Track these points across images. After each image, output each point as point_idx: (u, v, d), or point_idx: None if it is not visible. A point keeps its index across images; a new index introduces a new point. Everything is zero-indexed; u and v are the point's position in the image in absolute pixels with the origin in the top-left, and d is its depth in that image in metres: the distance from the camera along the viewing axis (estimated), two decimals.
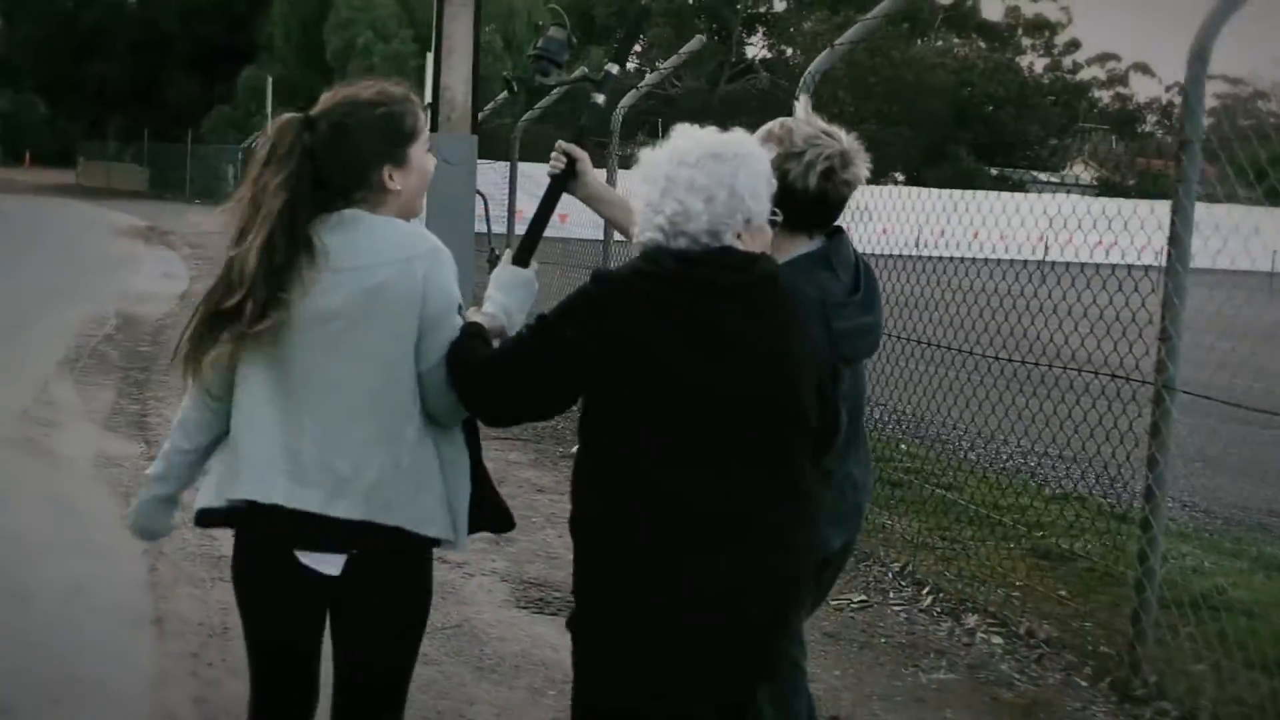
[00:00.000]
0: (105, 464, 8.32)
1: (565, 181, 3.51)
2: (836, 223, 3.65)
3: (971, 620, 5.93)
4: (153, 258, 24.09)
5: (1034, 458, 9.75)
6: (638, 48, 67.66)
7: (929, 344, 8.81)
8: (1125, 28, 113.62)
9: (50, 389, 10.67)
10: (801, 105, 3.74)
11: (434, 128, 11.49)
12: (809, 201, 3.44)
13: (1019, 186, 53.16)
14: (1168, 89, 74.46)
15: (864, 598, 6.28)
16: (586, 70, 4.18)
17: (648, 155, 2.98)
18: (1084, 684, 5.28)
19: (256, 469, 3.03)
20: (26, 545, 6.51)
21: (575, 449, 3.03)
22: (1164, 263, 5.14)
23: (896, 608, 6.19)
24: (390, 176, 3.06)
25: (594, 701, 2.98)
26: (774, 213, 3.01)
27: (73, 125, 60.44)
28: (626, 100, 10.30)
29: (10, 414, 9.51)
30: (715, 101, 60.31)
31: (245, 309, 2.97)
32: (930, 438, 10.24)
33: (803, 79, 7.62)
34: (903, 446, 9.50)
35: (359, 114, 3.06)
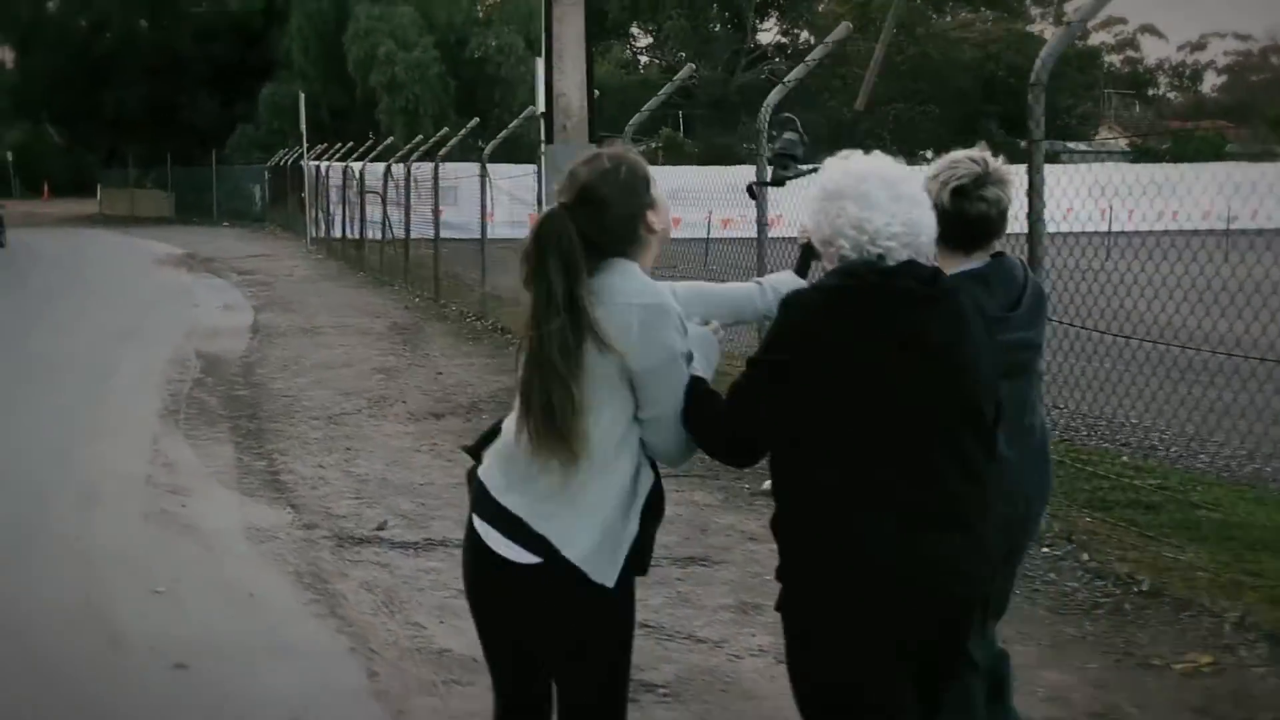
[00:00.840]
0: (259, 538, 7.44)
1: (813, 249, 3.53)
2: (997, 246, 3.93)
3: None
4: (204, 288, 23.18)
5: (1261, 460, 8.79)
6: (649, 40, 66.96)
7: (1125, 336, 7.96)
8: None
9: (163, 447, 9.79)
10: (979, 146, 3.97)
11: (549, 138, 10.64)
12: (947, 219, 3.55)
13: (1053, 158, 52.11)
14: (1179, 49, 73.65)
15: (1211, 659, 5.35)
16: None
17: (839, 176, 3.21)
18: None
19: (492, 451, 3.41)
20: (223, 653, 5.63)
21: (767, 484, 3.24)
22: None
23: (1258, 670, 5.25)
24: (650, 220, 3.34)
25: (818, 676, 3.14)
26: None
27: (90, 154, 59.61)
28: (772, 98, 9.36)
29: (134, 481, 8.66)
30: (732, 91, 59.43)
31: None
32: (1130, 445, 9.32)
33: (1038, 63, 6.78)
34: (1123, 458, 8.58)
35: (609, 181, 3.30)
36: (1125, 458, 8.62)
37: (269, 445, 9.90)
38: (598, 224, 3.25)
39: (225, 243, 35.72)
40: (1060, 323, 7.23)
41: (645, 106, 12.33)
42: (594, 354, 3.17)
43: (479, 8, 50.26)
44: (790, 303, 3.17)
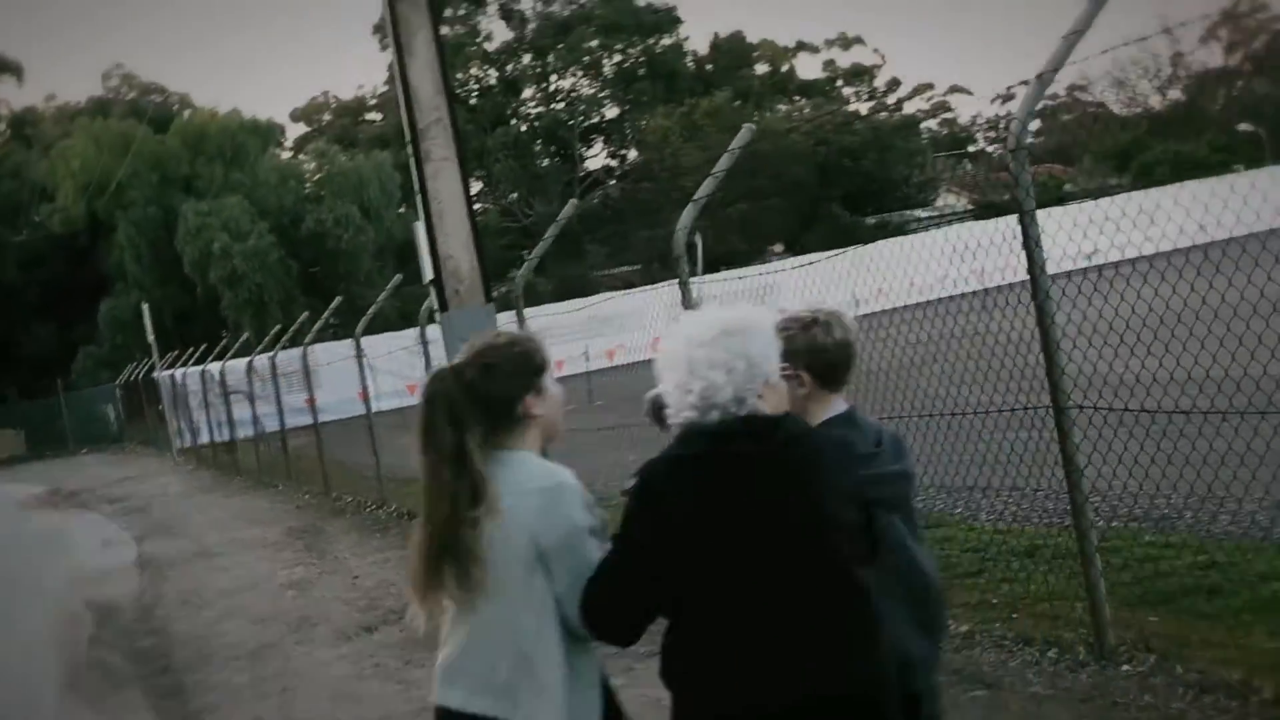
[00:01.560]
0: None
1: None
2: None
3: None
4: (78, 526, 21.65)
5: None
6: (480, 186, 66.50)
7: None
8: (932, 54, 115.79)
9: None
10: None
11: (442, 306, 9.70)
12: (837, 355, 3.78)
13: (900, 229, 52.48)
14: (991, 101, 75.87)
15: None
16: None
17: (665, 345, 3.28)
18: None
19: (438, 672, 3.46)
20: None
21: None
22: None
23: None
24: (529, 403, 3.43)
25: None
26: (784, 367, 3.38)
27: None
28: (685, 219, 8.52)
29: None
30: (573, 221, 59.21)
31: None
32: (1139, 518, 8.50)
33: (1015, 124, 6.12)
34: (1147, 537, 7.77)
35: (501, 354, 3.45)
36: (1149, 536, 7.80)
37: (192, 702, 8.69)
38: (482, 389, 3.37)
39: (88, 471, 34.06)
40: (1083, 408, 6.42)
41: (532, 254, 11.59)
42: (505, 540, 3.26)
43: (307, 185, 49.41)
44: (638, 475, 3.25)
